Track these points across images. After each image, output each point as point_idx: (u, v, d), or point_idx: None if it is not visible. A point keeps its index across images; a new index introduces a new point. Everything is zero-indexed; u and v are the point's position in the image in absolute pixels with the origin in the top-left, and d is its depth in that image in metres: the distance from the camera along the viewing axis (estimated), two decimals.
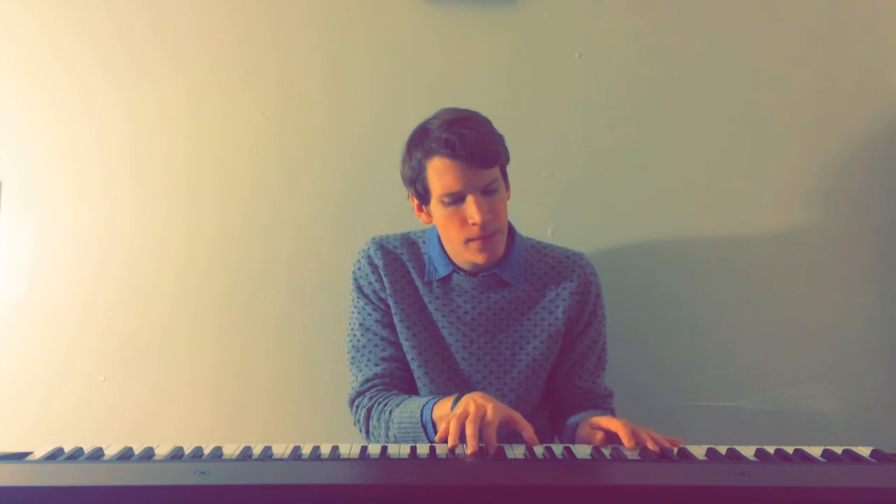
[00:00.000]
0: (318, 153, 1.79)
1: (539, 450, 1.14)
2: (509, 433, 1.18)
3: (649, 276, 1.80)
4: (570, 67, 1.80)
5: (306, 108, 1.79)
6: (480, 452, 1.09)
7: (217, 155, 1.79)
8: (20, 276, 1.77)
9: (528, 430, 1.15)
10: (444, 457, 1.10)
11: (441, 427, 1.14)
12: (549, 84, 1.80)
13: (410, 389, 1.47)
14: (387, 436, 1.36)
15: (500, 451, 1.13)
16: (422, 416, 1.28)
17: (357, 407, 1.44)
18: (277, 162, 1.79)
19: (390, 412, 1.35)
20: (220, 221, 1.79)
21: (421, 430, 1.28)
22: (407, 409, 1.32)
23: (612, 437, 1.21)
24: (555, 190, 1.79)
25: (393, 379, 1.45)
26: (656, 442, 1.15)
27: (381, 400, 1.40)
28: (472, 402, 1.15)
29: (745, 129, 1.80)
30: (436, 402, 1.28)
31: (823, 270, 1.80)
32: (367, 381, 1.44)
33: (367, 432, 1.42)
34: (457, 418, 1.12)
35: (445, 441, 1.11)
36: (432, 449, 1.13)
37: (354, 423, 1.46)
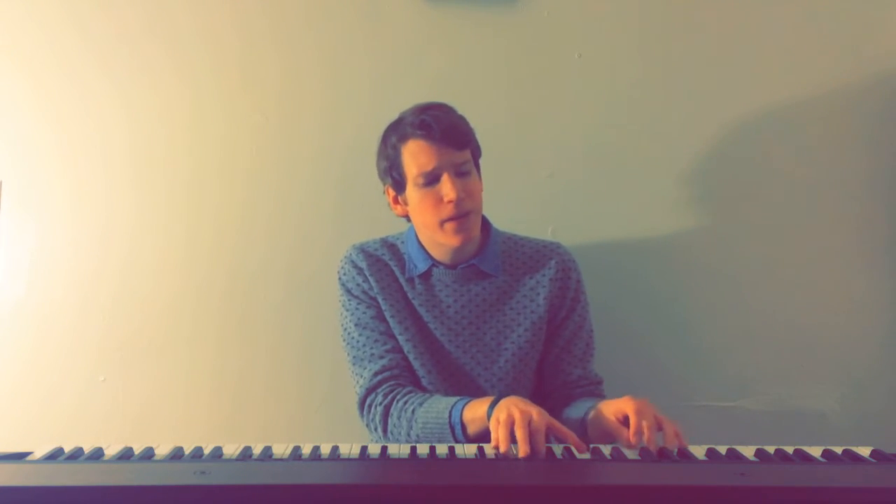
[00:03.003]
0: (317, 153, 1.79)
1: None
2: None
3: (649, 275, 1.80)
4: (570, 67, 1.80)
5: (306, 109, 1.79)
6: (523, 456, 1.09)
7: (217, 155, 1.79)
8: (20, 277, 1.77)
9: (572, 437, 1.13)
10: (444, 457, 1.10)
11: (493, 436, 1.14)
12: (549, 84, 1.80)
13: (418, 382, 1.46)
14: (408, 435, 1.35)
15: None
16: (450, 416, 1.28)
17: (370, 406, 1.42)
18: (277, 162, 1.79)
19: (413, 410, 1.34)
20: (219, 221, 1.79)
21: (448, 430, 1.28)
22: (433, 409, 1.31)
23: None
24: (555, 190, 1.79)
25: (402, 370, 1.44)
26: (664, 430, 1.14)
27: (399, 398, 1.38)
28: (514, 407, 1.14)
29: (746, 129, 1.80)
30: (466, 403, 1.27)
31: (823, 270, 1.80)
32: (376, 374, 1.42)
33: (385, 431, 1.39)
34: (504, 425, 1.12)
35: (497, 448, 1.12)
36: (432, 449, 1.13)
37: (367, 424, 1.44)
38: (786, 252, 1.80)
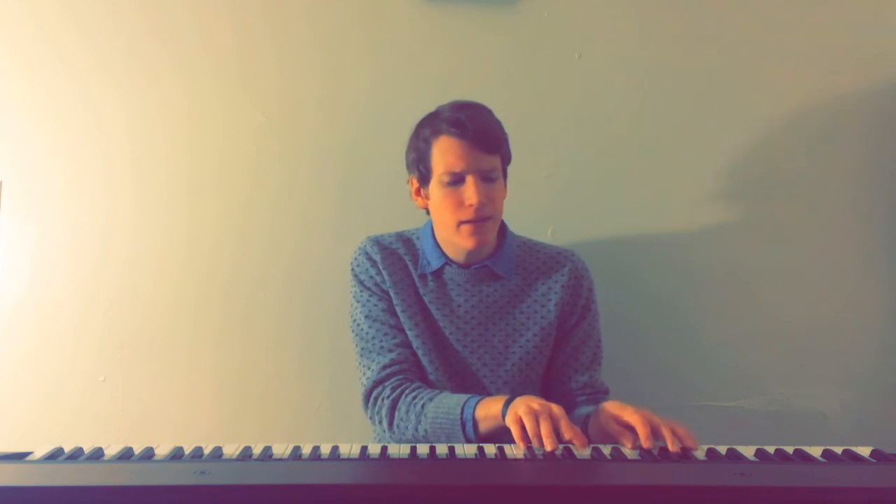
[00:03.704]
0: (317, 153, 1.79)
1: (538, 450, 1.14)
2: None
3: (650, 276, 1.80)
4: (570, 67, 1.80)
5: (306, 108, 1.79)
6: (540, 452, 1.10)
7: (217, 155, 1.79)
8: (20, 276, 1.77)
9: (579, 436, 1.12)
10: (444, 457, 1.10)
11: (515, 430, 1.14)
12: (549, 84, 1.80)
13: (426, 377, 1.46)
14: (416, 429, 1.34)
15: (501, 451, 1.13)
16: (462, 412, 1.27)
17: (376, 398, 1.41)
18: (277, 162, 1.79)
19: (422, 405, 1.34)
20: (220, 221, 1.79)
21: (459, 426, 1.27)
22: (444, 405, 1.31)
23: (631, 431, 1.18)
24: (555, 190, 1.79)
25: (410, 365, 1.44)
26: (677, 437, 1.14)
27: (408, 392, 1.38)
28: (533, 402, 1.16)
29: (746, 129, 1.80)
30: (479, 401, 1.27)
31: (823, 270, 1.80)
32: (385, 367, 1.42)
33: (391, 424, 1.38)
34: (529, 415, 1.12)
35: (526, 445, 1.13)
36: (432, 449, 1.13)
37: (372, 417, 1.43)
38: (786, 252, 1.80)
